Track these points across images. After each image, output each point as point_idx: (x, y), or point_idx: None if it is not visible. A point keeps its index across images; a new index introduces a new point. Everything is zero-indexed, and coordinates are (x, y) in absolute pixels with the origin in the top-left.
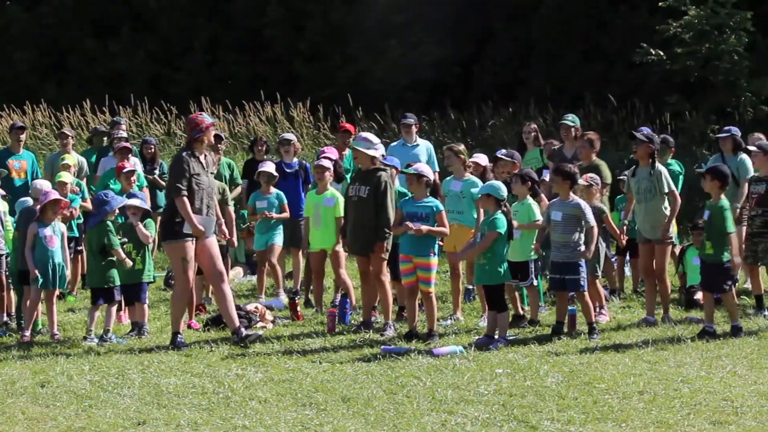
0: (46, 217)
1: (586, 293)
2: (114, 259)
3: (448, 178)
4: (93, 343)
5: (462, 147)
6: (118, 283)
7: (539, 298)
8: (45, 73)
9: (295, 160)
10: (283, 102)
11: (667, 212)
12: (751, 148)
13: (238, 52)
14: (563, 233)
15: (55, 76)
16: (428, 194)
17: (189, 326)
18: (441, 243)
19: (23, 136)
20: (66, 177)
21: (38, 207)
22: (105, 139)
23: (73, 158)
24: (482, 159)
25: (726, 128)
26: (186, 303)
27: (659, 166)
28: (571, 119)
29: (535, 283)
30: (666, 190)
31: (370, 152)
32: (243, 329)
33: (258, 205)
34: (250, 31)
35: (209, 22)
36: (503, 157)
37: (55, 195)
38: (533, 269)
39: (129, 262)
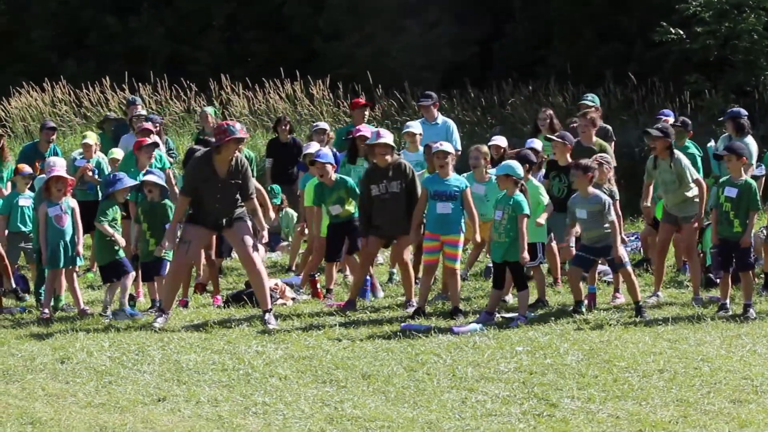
0: (51, 196)
1: (629, 268)
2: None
3: (467, 174)
4: (109, 320)
5: (486, 149)
6: (122, 254)
7: (545, 278)
8: (64, 50)
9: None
10: (303, 79)
11: (691, 195)
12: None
13: (257, 30)
14: (593, 228)
15: (74, 53)
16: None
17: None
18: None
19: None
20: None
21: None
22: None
23: (94, 136)
24: (502, 141)
25: (728, 111)
26: (176, 282)
27: (678, 154)
28: (591, 98)
29: (543, 263)
30: (691, 180)
31: (390, 140)
32: (272, 316)
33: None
34: (269, 8)
35: None
36: (555, 138)
37: (57, 172)
38: (542, 249)
39: (121, 241)
